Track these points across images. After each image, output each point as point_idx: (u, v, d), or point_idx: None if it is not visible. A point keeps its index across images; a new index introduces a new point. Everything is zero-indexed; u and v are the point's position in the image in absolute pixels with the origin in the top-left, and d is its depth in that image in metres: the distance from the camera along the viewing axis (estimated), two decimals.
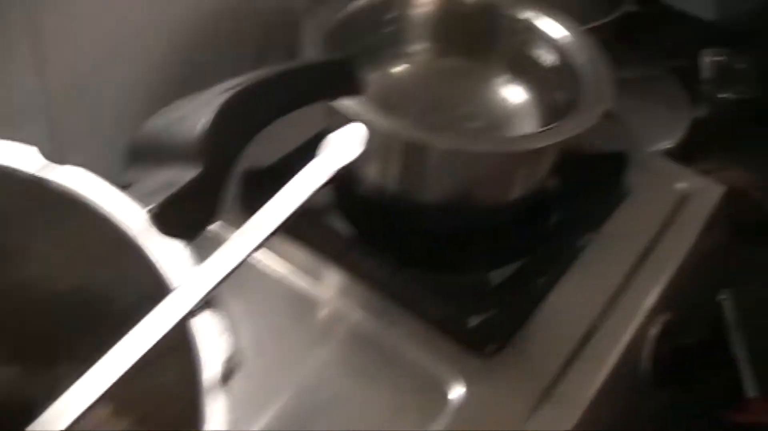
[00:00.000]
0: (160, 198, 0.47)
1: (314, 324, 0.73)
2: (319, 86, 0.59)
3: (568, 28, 0.84)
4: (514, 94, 0.88)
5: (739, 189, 1.03)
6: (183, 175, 0.49)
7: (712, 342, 0.79)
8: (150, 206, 0.45)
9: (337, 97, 0.64)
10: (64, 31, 0.75)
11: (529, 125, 0.85)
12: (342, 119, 0.70)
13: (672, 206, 0.88)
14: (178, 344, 0.41)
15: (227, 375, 0.39)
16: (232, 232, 0.44)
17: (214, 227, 0.74)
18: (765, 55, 1.38)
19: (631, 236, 0.84)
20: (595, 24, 1.04)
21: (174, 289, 0.41)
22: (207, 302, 0.42)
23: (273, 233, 0.42)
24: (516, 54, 0.88)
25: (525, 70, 0.88)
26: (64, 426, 0.38)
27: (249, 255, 0.41)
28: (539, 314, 0.76)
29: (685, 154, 1.17)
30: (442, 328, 0.72)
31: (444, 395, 0.69)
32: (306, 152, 0.77)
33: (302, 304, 0.74)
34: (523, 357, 0.73)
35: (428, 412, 0.68)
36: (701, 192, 0.90)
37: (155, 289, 0.43)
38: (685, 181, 0.91)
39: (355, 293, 0.75)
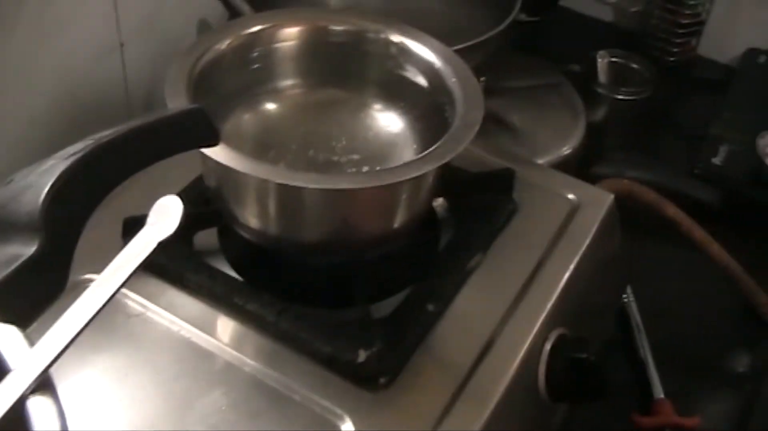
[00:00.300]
0: None
1: (203, 372, 0.72)
2: (172, 140, 0.59)
3: (437, 50, 0.84)
4: (389, 121, 0.88)
5: (632, 192, 1.04)
6: (24, 250, 0.48)
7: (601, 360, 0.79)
8: None
9: (193, 148, 0.63)
10: None
11: (407, 152, 0.85)
12: (215, 165, 0.70)
13: (562, 218, 0.89)
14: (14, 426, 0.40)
15: None
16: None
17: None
18: (659, 54, 1.40)
19: (521, 253, 0.85)
20: (488, 35, 1.04)
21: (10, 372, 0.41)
22: (42, 385, 0.41)
23: (97, 314, 0.42)
24: (388, 80, 0.88)
25: (398, 96, 0.88)
26: None
27: (75, 338, 0.41)
28: (430, 341, 0.76)
29: (583, 158, 1.18)
30: (331, 365, 0.72)
31: None
32: (185, 198, 0.77)
33: (190, 352, 0.73)
34: (415, 387, 0.73)
35: None
36: (590, 202, 0.91)
37: None
38: (573, 191, 0.91)
39: (243, 337, 0.74)
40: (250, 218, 0.75)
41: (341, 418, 0.69)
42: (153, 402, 0.70)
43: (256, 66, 0.86)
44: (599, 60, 1.33)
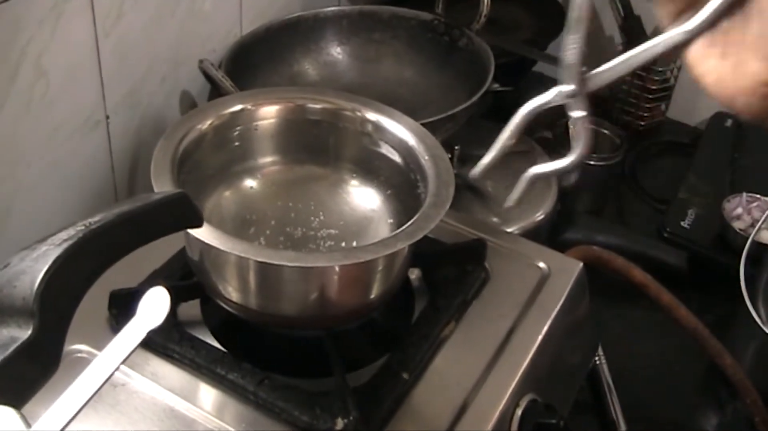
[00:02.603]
0: None
1: None
2: (158, 224, 0.62)
3: (411, 127, 0.88)
4: (365, 197, 0.92)
5: (600, 259, 1.08)
6: (20, 334, 0.51)
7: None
8: None
9: (179, 230, 0.67)
10: None
11: (382, 227, 0.88)
12: (197, 242, 0.73)
13: (533, 285, 0.92)
14: None
15: None
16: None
17: (86, 350, 0.76)
18: (629, 119, 1.44)
19: (493, 320, 0.88)
20: (461, 107, 1.08)
21: None
22: None
23: (90, 399, 0.45)
24: (364, 157, 0.92)
25: (374, 172, 0.92)
26: None
27: (69, 422, 0.44)
28: (406, 409, 0.79)
29: (555, 223, 1.22)
30: None
31: None
32: (169, 271, 0.80)
33: (174, 420, 0.76)
34: None
35: None
36: (560, 269, 0.94)
37: None
38: (544, 260, 0.95)
39: (224, 405, 0.77)
40: (231, 292, 0.78)
41: None
42: None
43: (236, 144, 0.90)
44: (570, 126, 1.36)
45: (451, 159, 1.15)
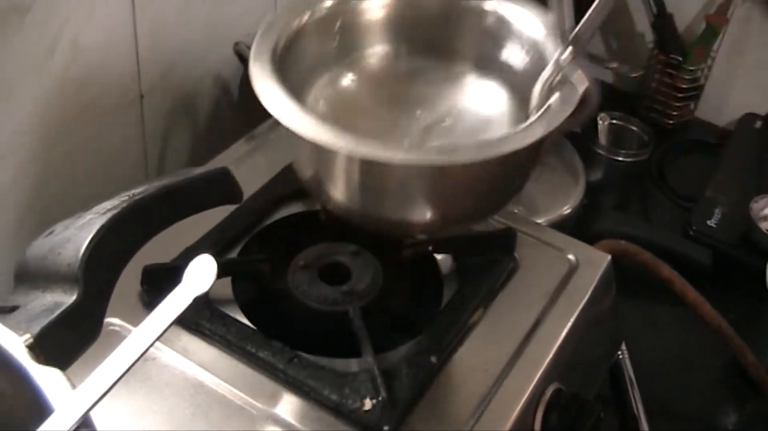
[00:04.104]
0: (40, 325, 0.50)
1: (215, 415, 0.76)
2: (200, 198, 0.63)
3: (537, 16, 0.83)
4: (482, 97, 0.88)
5: (628, 253, 1.08)
6: (65, 298, 0.52)
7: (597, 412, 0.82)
8: (26, 338, 0.48)
9: (217, 206, 0.67)
10: None
11: (501, 124, 0.85)
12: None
13: (561, 276, 0.92)
14: None
15: None
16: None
17: (118, 324, 0.77)
18: (657, 117, 1.44)
19: (520, 309, 0.88)
20: None
21: (52, 412, 0.44)
22: (85, 423, 0.45)
23: (136, 361, 0.46)
24: (483, 53, 0.86)
25: (493, 65, 0.86)
26: None
27: (116, 383, 0.45)
28: (433, 392, 0.79)
29: (581, 217, 1.22)
30: (337, 413, 0.75)
31: None
32: (202, 248, 0.81)
33: (204, 395, 0.77)
34: None
35: None
36: (588, 262, 0.95)
37: (36, 412, 0.46)
38: (572, 252, 0.95)
39: (254, 382, 0.78)
40: (337, 194, 0.76)
41: None
42: None
43: (341, 37, 0.86)
44: (600, 122, 1.37)
45: None
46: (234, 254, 0.90)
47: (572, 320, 0.88)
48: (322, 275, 0.86)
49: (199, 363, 0.79)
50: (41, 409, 0.46)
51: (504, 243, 0.92)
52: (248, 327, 0.82)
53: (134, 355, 0.46)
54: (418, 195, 0.75)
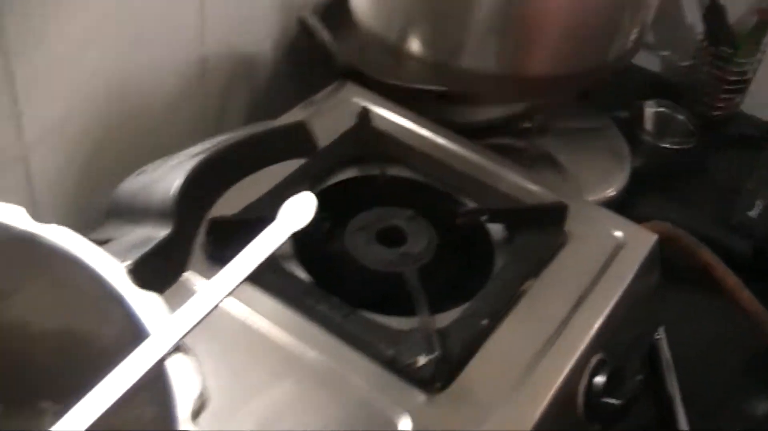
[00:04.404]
0: (136, 254, 0.53)
1: (274, 363, 0.79)
2: (276, 149, 0.66)
3: None
4: None
5: (672, 236, 1.10)
6: (156, 233, 0.55)
7: (639, 384, 0.85)
8: (127, 263, 0.51)
9: (293, 158, 0.70)
10: (38, 82, 0.81)
11: None
12: None
13: (608, 253, 0.95)
14: (154, 383, 0.47)
15: (197, 411, 0.45)
16: (199, 278, 0.50)
17: (184, 274, 0.80)
18: (703, 108, 1.46)
19: (568, 281, 0.91)
20: None
21: (150, 334, 0.47)
22: (179, 347, 0.48)
23: (234, 290, 0.48)
24: None
25: None
26: None
27: (214, 308, 0.47)
28: (482, 354, 0.82)
29: (626, 201, 1.24)
30: (392, 367, 0.78)
31: (394, 429, 0.75)
32: (263, 205, 0.84)
33: (263, 344, 0.80)
34: (467, 394, 0.79)
35: None
36: (635, 240, 0.97)
37: (133, 334, 0.49)
38: (620, 229, 0.97)
39: (312, 334, 0.81)
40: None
41: (400, 414, 0.76)
42: (226, 389, 0.76)
43: None
44: (646, 109, 1.39)
45: (530, 129, 1.18)
46: None
47: (619, 294, 0.90)
48: (379, 237, 0.89)
49: (261, 313, 0.81)
50: (138, 333, 0.49)
51: (555, 217, 0.95)
52: (307, 281, 0.84)
53: (231, 285, 0.49)
54: None
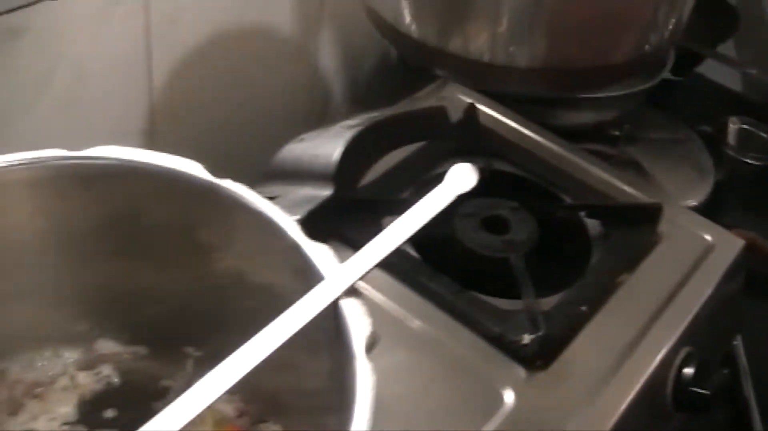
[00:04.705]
0: (304, 210, 0.59)
1: (389, 335, 0.83)
2: (418, 129, 0.72)
3: None
4: None
5: (756, 244, 1.15)
6: (319, 192, 0.61)
7: (725, 377, 0.89)
8: (297, 216, 0.57)
9: (429, 139, 0.76)
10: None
11: None
12: None
13: (698, 254, 1.00)
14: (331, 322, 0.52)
15: (370, 347, 0.50)
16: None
17: None
18: None
19: (660, 278, 0.95)
20: (636, 90, 1.16)
21: (324, 279, 0.53)
22: (352, 291, 0.53)
23: (404, 241, 0.54)
24: None
25: None
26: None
27: (386, 256, 0.53)
28: (580, 339, 0.87)
29: (707, 213, 1.28)
30: (498, 344, 0.83)
31: (498, 400, 0.80)
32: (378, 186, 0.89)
33: (379, 317, 0.85)
34: (565, 374, 0.84)
35: (485, 414, 0.79)
36: (724, 244, 1.02)
37: (305, 282, 0.55)
38: (710, 233, 1.02)
39: (424, 309, 0.86)
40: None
41: (504, 388, 0.81)
42: None
43: None
44: (730, 125, 1.43)
45: (618, 137, 1.23)
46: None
47: (708, 293, 0.95)
48: (484, 224, 0.94)
49: (376, 287, 0.87)
50: (310, 280, 0.55)
51: (650, 216, 1.00)
52: (419, 259, 0.90)
53: (399, 239, 0.54)
54: None
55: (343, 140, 0.63)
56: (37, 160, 0.60)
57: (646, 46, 0.75)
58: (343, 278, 0.53)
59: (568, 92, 0.87)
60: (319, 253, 0.55)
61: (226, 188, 0.58)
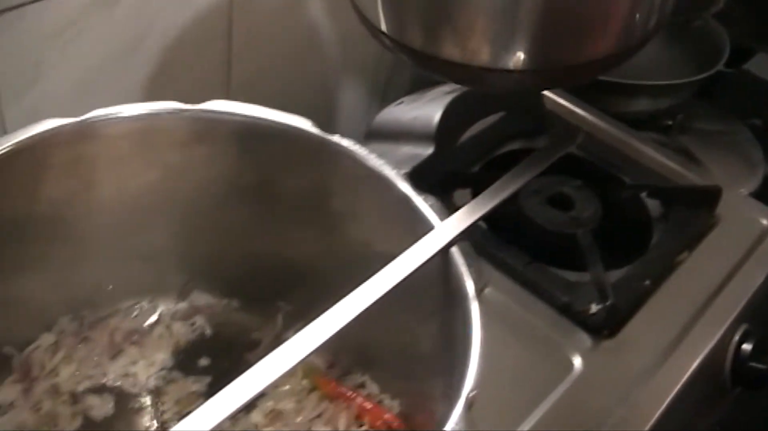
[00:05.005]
0: (409, 166, 0.63)
1: None
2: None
3: None
4: None
5: None
6: (421, 151, 0.65)
7: None
8: (405, 171, 0.61)
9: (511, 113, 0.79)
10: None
11: None
12: None
13: (755, 237, 1.03)
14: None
15: (481, 290, 0.54)
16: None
17: None
18: None
19: (719, 258, 0.99)
20: (692, 79, 1.19)
21: (435, 228, 0.57)
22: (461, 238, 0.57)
23: (514, 191, 0.58)
24: None
25: None
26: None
27: (496, 205, 0.57)
28: (644, 312, 0.90)
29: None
30: (566, 312, 0.87)
31: (568, 366, 0.84)
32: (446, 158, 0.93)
33: None
34: (629, 344, 0.88)
35: (555, 377, 0.83)
36: None
37: (414, 233, 0.58)
38: (766, 218, 1.05)
39: (493, 279, 0.89)
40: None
41: (574, 353, 0.84)
42: None
43: None
44: None
45: (671, 126, 1.26)
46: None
47: (766, 272, 0.98)
48: (550, 201, 0.98)
49: None
50: (418, 230, 0.58)
51: (709, 199, 1.03)
52: (489, 231, 0.93)
53: (510, 189, 0.58)
54: None
55: (442, 104, 0.66)
56: (151, 112, 0.63)
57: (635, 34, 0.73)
58: (453, 225, 0.56)
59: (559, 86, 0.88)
60: (428, 204, 0.58)
61: (337, 143, 0.61)
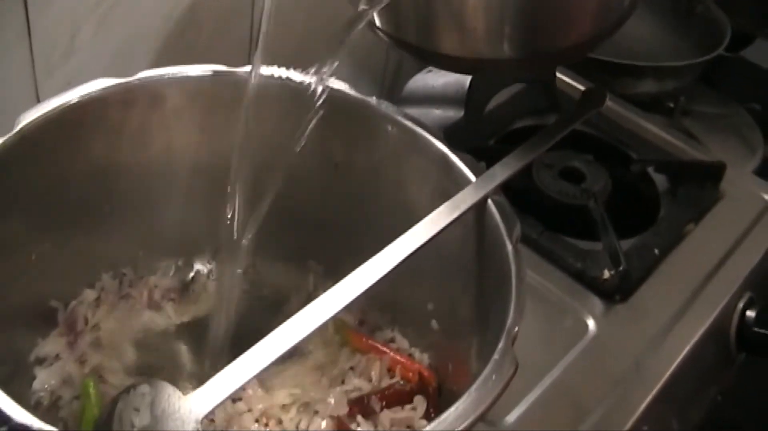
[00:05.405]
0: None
1: None
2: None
3: None
4: None
5: None
6: (452, 114, 0.69)
7: None
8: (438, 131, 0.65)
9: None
10: None
11: None
12: None
13: (757, 211, 1.07)
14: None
15: (518, 238, 0.57)
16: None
17: None
18: None
19: (724, 230, 1.03)
20: (696, 61, 1.22)
21: (473, 182, 0.60)
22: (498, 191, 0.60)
23: (544, 149, 0.61)
24: None
25: None
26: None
27: (526, 164, 0.60)
28: (653, 279, 0.94)
29: None
30: (579, 278, 0.90)
31: (583, 329, 0.87)
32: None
33: None
34: (639, 310, 0.91)
35: (570, 339, 0.87)
36: None
37: (447, 190, 0.62)
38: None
39: None
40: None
41: (587, 317, 0.88)
42: None
43: None
44: None
45: (674, 109, 1.30)
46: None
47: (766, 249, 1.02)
48: (561, 174, 1.01)
49: None
50: (454, 187, 0.61)
51: (714, 173, 1.07)
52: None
53: (541, 148, 0.61)
54: None
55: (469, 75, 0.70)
56: (200, 74, 0.66)
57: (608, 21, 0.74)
58: (491, 179, 0.59)
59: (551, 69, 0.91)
60: (464, 161, 0.62)
61: (375, 105, 0.65)
